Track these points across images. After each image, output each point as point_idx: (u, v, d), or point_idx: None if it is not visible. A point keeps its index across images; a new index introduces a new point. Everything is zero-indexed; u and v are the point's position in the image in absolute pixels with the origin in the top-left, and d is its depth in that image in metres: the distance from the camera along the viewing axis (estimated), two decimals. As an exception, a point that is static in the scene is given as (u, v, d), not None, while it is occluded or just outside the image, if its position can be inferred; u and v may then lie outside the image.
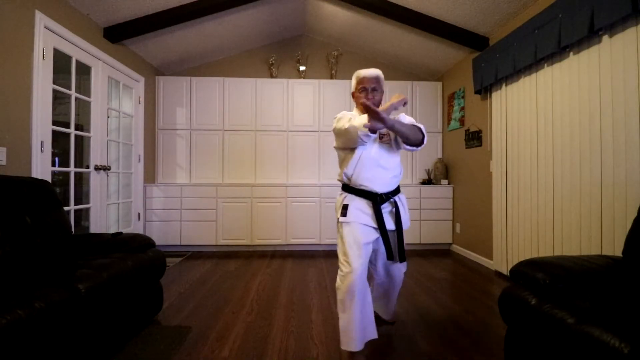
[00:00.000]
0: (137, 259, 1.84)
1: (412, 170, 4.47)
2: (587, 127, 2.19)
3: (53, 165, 2.59)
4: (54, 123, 2.55)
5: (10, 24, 2.15)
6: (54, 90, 2.56)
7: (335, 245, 3.78)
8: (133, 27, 3.19)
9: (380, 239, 1.65)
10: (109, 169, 3.22)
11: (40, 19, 2.36)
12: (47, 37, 2.45)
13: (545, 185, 2.56)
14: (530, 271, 1.30)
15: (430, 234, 4.12)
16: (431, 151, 4.47)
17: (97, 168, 3.08)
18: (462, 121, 3.92)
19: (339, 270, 1.59)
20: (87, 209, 3.03)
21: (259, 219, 4.00)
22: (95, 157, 3.08)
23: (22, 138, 2.26)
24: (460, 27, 3.33)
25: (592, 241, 2.14)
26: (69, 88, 2.73)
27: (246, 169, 4.34)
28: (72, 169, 2.80)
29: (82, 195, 3.22)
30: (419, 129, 1.61)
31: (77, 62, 2.81)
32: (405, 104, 1.58)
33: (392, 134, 1.67)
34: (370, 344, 1.63)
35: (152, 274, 1.97)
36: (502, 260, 3.07)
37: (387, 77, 4.61)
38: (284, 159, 4.34)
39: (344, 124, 1.57)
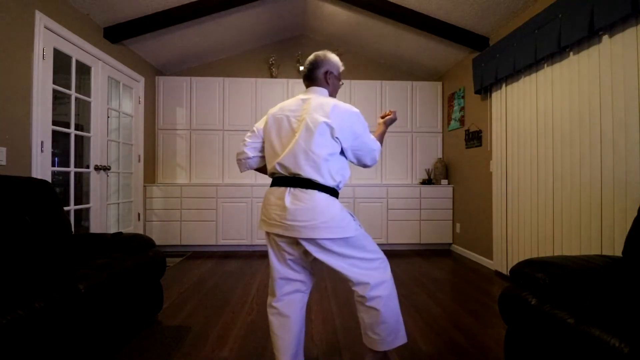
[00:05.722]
0: (137, 259, 1.84)
1: (412, 170, 4.47)
2: (587, 127, 2.19)
3: (53, 165, 2.58)
4: (54, 123, 2.55)
5: (10, 24, 2.15)
6: (54, 90, 2.55)
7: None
8: (133, 27, 3.19)
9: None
10: (109, 169, 3.22)
11: (40, 19, 2.36)
12: (47, 37, 2.45)
13: (545, 185, 2.56)
14: (530, 271, 1.30)
15: (430, 234, 4.12)
16: (431, 151, 4.48)
17: (97, 168, 3.08)
18: (462, 121, 3.92)
19: (388, 267, 1.41)
20: (87, 209, 3.03)
21: (259, 219, 3.99)
22: (95, 157, 3.08)
23: (22, 138, 2.26)
24: (460, 27, 3.33)
25: (592, 241, 2.14)
26: (69, 88, 2.72)
27: (246, 169, 4.34)
28: (72, 169, 2.79)
29: (82, 195, 3.22)
30: None
31: (77, 62, 2.81)
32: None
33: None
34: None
35: (152, 274, 1.97)
36: (502, 260, 3.07)
37: (387, 77, 4.62)
38: (284, 159, 4.33)
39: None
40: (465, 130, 3.83)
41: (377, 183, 4.34)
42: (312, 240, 1.27)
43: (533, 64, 2.65)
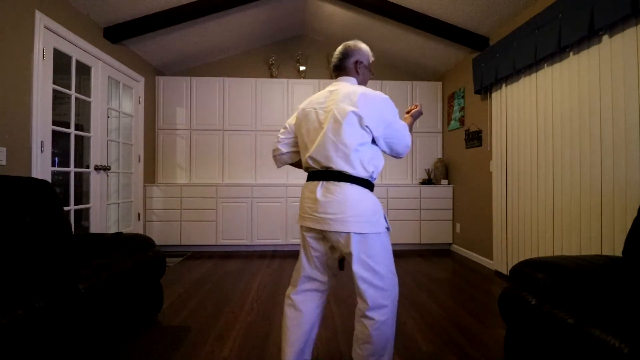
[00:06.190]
0: (137, 259, 1.84)
1: (412, 170, 4.47)
2: (587, 127, 2.19)
3: (53, 165, 2.58)
4: (54, 123, 2.55)
5: (10, 24, 2.15)
6: (54, 90, 2.55)
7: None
8: (133, 27, 3.19)
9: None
10: (109, 169, 3.22)
11: (40, 19, 2.36)
12: (47, 37, 2.45)
13: (545, 185, 2.56)
14: (530, 271, 1.30)
15: (430, 234, 4.12)
16: (431, 151, 4.48)
17: (97, 168, 3.08)
18: (462, 121, 3.92)
19: (395, 291, 1.39)
20: (87, 209, 3.03)
21: (259, 219, 4.00)
22: (95, 157, 3.08)
23: (22, 138, 2.26)
24: (461, 27, 3.32)
25: (592, 241, 2.14)
26: (69, 88, 2.72)
27: (246, 169, 4.34)
28: (72, 169, 2.79)
29: (82, 195, 3.22)
30: None
31: (77, 62, 2.81)
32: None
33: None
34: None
35: (152, 274, 1.97)
36: (502, 260, 3.07)
37: (387, 77, 4.62)
38: (284, 159, 4.33)
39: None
40: (465, 130, 3.83)
41: (377, 183, 4.34)
42: (340, 234, 1.25)
43: (533, 64, 2.65)
